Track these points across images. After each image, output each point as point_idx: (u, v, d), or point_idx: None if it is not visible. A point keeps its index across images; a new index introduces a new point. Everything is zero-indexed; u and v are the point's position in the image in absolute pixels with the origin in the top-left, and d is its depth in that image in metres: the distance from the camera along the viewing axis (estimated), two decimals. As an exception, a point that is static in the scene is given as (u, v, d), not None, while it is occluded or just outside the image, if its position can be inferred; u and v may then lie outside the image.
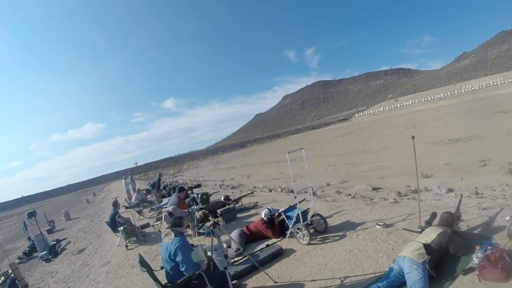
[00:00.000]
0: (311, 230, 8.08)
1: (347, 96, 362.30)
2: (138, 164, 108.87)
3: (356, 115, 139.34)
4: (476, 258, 4.93)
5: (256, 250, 8.06)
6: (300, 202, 8.19)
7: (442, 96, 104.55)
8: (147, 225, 13.76)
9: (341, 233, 7.86)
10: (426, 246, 5.03)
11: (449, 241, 5.20)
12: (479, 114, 35.44)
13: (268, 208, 9.31)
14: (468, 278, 4.83)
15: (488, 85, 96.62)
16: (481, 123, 27.18)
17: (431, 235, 5.32)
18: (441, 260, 5.20)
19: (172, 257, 5.34)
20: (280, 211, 8.91)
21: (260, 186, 20.40)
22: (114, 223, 12.63)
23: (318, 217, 8.22)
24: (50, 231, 20.81)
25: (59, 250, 14.62)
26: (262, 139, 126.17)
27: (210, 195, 15.33)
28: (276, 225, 8.93)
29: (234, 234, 8.67)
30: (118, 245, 12.67)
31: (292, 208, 8.77)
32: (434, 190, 11.26)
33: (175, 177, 31.90)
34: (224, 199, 13.67)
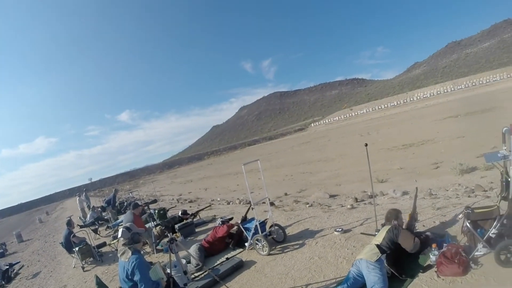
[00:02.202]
0: (271, 241, 8.05)
1: (303, 107, 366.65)
2: (93, 180, 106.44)
3: (312, 124, 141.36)
4: (433, 256, 5.14)
5: (216, 264, 7.95)
6: (260, 221, 8.17)
7: (395, 104, 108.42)
8: (104, 244, 13.34)
9: (300, 242, 7.87)
10: (378, 246, 5.23)
11: (397, 234, 5.40)
12: (431, 119, 36.66)
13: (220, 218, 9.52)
14: (427, 275, 5.01)
15: (438, 92, 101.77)
16: (433, 128, 28.18)
17: (382, 234, 5.54)
18: (399, 259, 5.38)
19: (129, 277, 5.13)
20: (238, 223, 8.91)
21: (218, 199, 20.22)
22: (69, 244, 12.17)
23: (276, 227, 8.22)
24: (1, 255, 19.90)
25: (12, 275, 13.95)
26: (219, 151, 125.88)
27: (168, 210, 15.09)
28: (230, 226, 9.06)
29: (193, 249, 8.50)
30: (74, 267, 12.20)
31: (250, 219, 8.73)
32: (389, 194, 11.52)
33: (131, 192, 31.25)
34: (181, 214, 13.46)
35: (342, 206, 11.14)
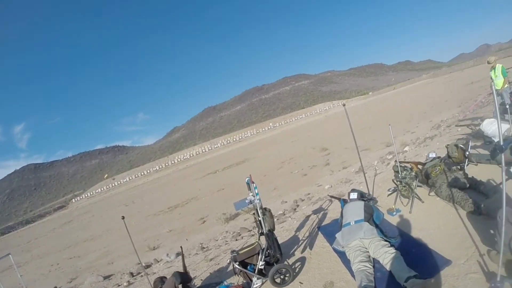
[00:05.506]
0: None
1: (61, 180, 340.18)
2: None
3: (74, 200, 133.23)
4: (218, 304, 5.44)
5: None
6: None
7: (157, 168, 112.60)
8: None
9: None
10: None
11: None
12: (192, 178, 38.92)
13: None
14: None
15: (198, 152, 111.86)
16: (195, 186, 30.02)
17: None
18: None
19: None
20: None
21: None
22: None
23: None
24: None
25: None
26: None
27: None
28: None
29: None
30: None
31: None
32: (164, 258, 11.58)
33: None
34: None
35: (119, 285, 10.70)
